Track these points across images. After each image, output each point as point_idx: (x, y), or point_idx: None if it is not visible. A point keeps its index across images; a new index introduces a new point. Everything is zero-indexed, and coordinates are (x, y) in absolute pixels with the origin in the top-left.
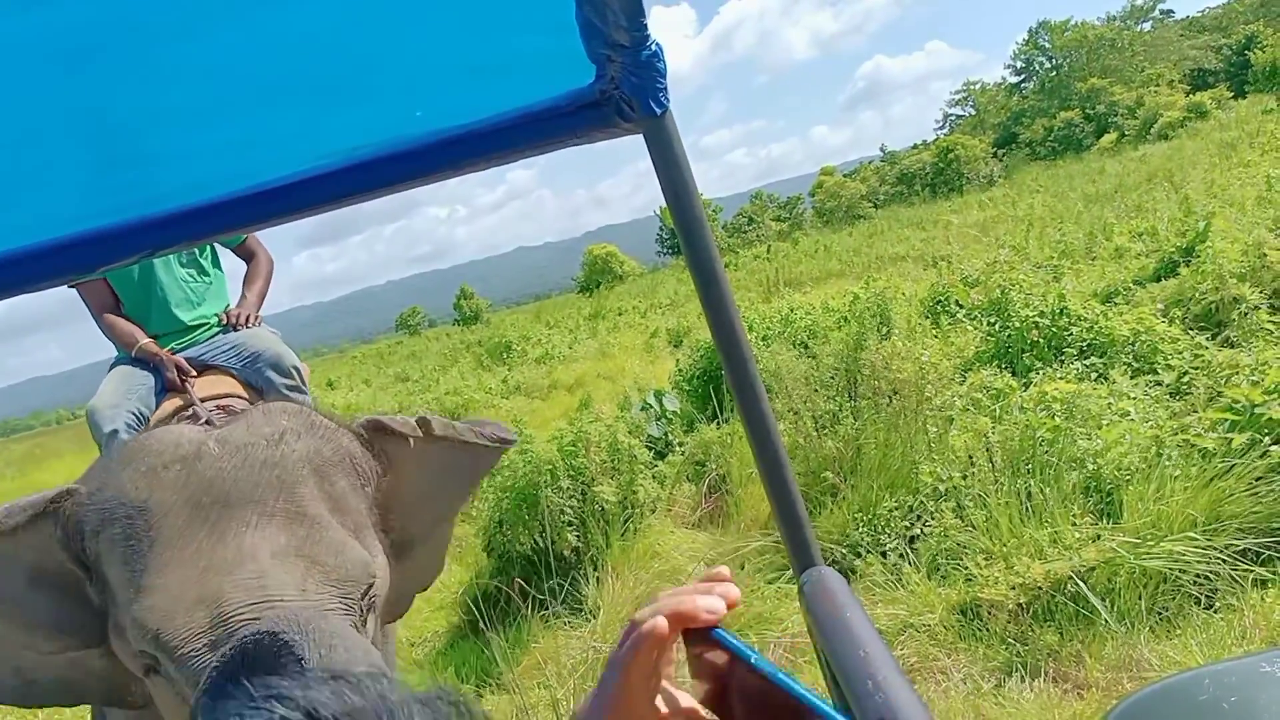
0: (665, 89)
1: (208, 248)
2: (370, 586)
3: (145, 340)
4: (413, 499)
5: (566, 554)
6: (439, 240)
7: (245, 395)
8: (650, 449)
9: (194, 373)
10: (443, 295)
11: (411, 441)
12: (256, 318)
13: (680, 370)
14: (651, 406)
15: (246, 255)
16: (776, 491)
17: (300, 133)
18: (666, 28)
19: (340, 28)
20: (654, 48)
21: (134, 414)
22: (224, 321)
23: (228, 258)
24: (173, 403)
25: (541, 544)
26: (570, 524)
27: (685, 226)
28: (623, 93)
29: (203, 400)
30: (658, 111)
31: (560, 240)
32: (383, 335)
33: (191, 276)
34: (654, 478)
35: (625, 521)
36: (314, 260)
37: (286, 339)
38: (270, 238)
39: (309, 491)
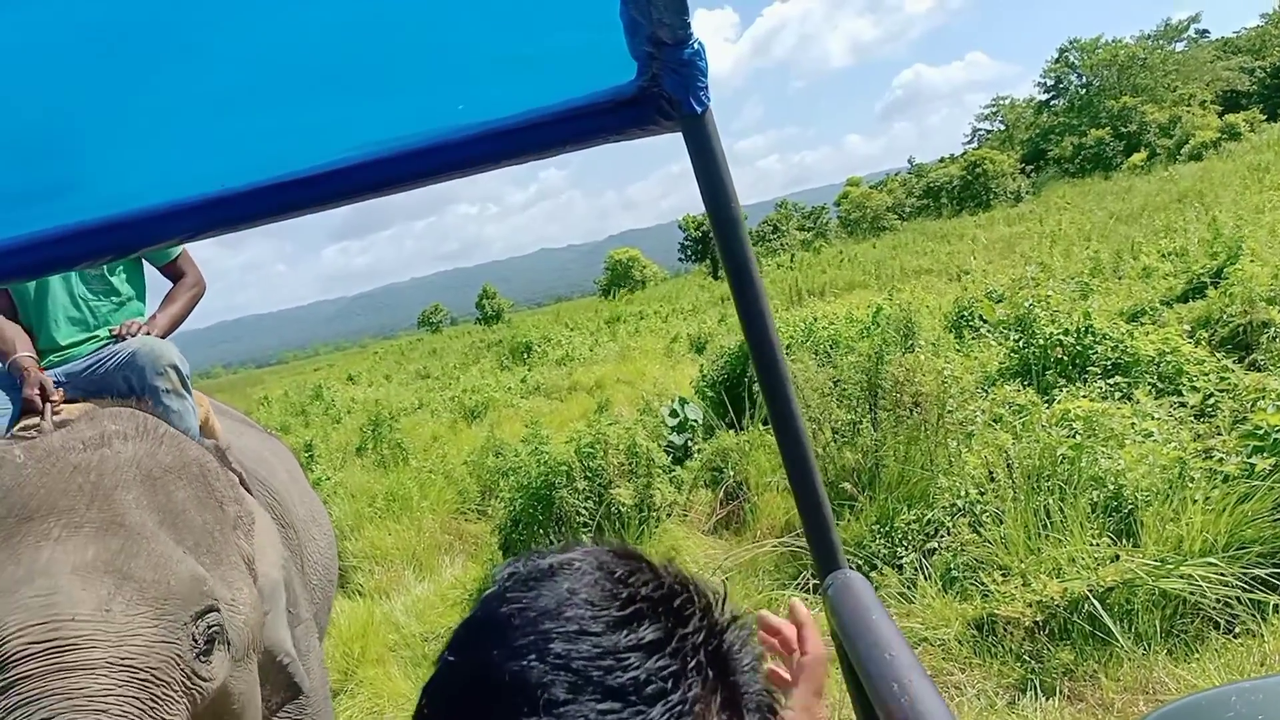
0: (706, 88)
1: (119, 267)
2: (208, 611)
3: (21, 353)
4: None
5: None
6: (467, 238)
7: None
8: (669, 454)
9: (56, 394)
10: (466, 293)
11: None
12: (144, 328)
13: (703, 375)
14: (680, 415)
15: (175, 275)
16: (803, 492)
17: (341, 121)
18: (708, 30)
19: (384, 17)
20: (696, 46)
21: None
22: (113, 334)
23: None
24: (22, 425)
25: (557, 545)
26: (585, 526)
27: (721, 226)
28: (663, 90)
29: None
30: (698, 110)
31: (584, 243)
32: (404, 331)
33: (94, 295)
34: (671, 482)
35: (640, 525)
36: (343, 254)
37: (310, 332)
38: (301, 229)
39: (131, 499)
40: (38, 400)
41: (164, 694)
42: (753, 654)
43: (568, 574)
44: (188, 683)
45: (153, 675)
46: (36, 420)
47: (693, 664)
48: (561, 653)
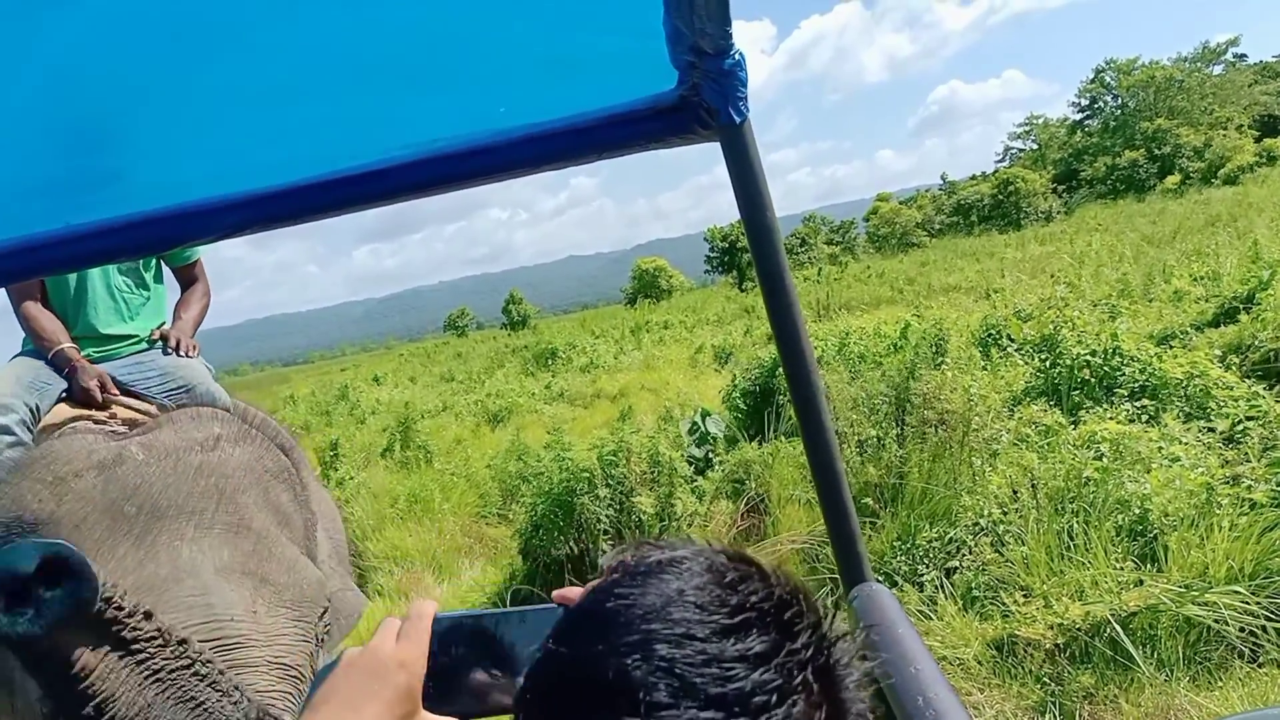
0: (745, 98)
1: (152, 262)
2: (326, 611)
3: (67, 344)
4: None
5: (601, 563)
6: (496, 243)
7: None
8: (691, 464)
9: (115, 391)
10: (492, 298)
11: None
12: (194, 346)
13: (734, 385)
14: (699, 427)
15: (188, 279)
16: (831, 504)
17: (384, 120)
18: (744, 42)
19: (429, 18)
20: (737, 56)
21: (30, 409)
22: (156, 339)
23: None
24: (68, 409)
25: (577, 551)
26: (606, 533)
27: (757, 235)
28: (703, 99)
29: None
30: (737, 120)
31: (612, 251)
32: (430, 334)
33: (128, 286)
34: (693, 492)
35: (661, 534)
36: (373, 255)
37: (337, 333)
38: (332, 230)
39: (252, 501)
40: (98, 393)
41: (302, 690)
42: (858, 671)
43: (676, 572)
44: (311, 679)
45: (299, 673)
46: (92, 413)
47: (798, 680)
48: (666, 656)
